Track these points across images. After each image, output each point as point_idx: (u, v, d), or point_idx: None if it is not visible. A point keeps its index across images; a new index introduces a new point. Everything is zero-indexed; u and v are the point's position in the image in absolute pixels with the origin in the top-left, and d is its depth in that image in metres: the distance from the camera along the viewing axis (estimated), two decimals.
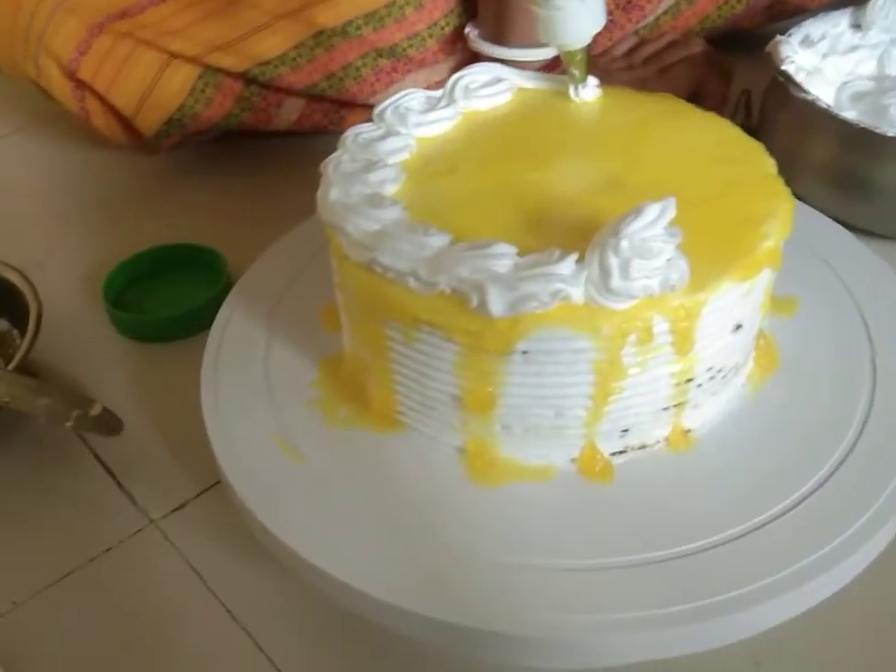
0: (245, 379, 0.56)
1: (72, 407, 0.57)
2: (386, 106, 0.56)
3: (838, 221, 0.65)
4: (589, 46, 0.58)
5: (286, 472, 0.51)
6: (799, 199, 0.52)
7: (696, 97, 0.62)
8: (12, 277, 0.66)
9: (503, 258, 0.45)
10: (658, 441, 0.51)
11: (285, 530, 0.48)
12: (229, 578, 0.54)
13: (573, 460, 0.50)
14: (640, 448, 0.51)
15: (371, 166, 0.52)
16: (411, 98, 0.57)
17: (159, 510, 0.57)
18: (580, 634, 0.44)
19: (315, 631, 0.51)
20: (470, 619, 0.44)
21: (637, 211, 0.44)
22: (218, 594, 0.53)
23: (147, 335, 0.69)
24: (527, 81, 0.60)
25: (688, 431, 0.51)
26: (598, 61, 0.86)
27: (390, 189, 0.51)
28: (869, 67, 0.78)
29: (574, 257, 0.44)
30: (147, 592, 0.54)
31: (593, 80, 0.59)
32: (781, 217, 0.49)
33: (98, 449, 0.61)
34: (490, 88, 0.58)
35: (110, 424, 0.58)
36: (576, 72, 0.58)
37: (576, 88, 0.58)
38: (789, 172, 0.53)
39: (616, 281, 0.44)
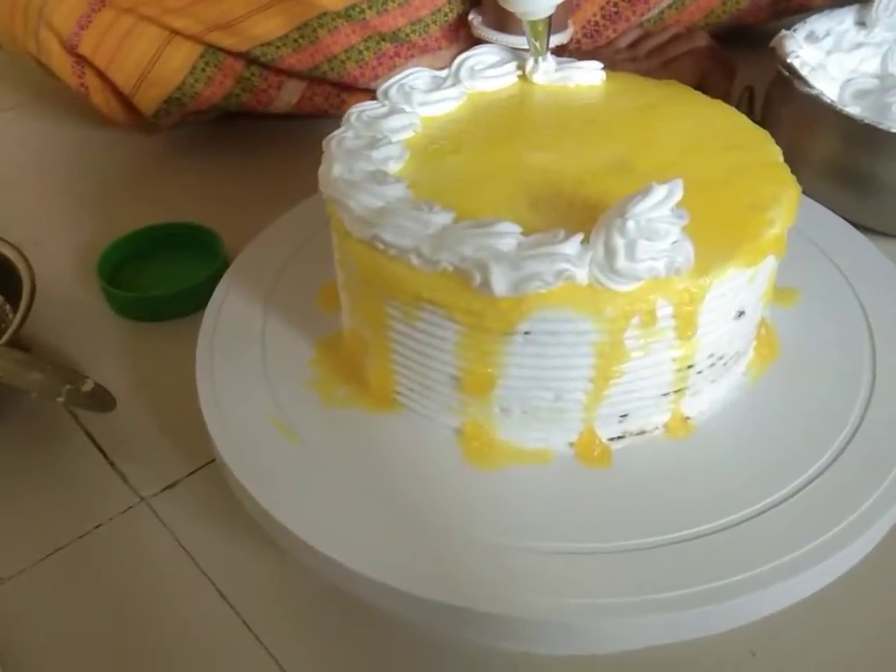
0: (241, 358, 0.56)
1: (64, 382, 0.56)
2: (391, 84, 0.56)
3: (840, 216, 0.65)
4: (551, 18, 0.57)
5: (281, 452, 0.50)
6: (802, 193, 0.52)
7: (699, 90, 0.62)
8: (8, 253, 0.65)
9: (507, 236, 0.45)
10: (657, 428, 0.51)
11: (279, 509, 0.47)
12: (219, 557, 0.53)
13: (571, 444, 0.50)
14: (639, 434, 0.50)
15: (374, 143, 0.51)
16: (416, 77, 0.56)
17: (150, 488, 0.57)
18: (574, 617, 0.43)
19: (306, 612, 0.51)
20: (465, 600, 0.44)
21: (644, 192, 0.43)
22: (209, 573, 0.52)
23: (142, 313, 0.68)
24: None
25: (687, 418, 0.51)
26: (603, 52, 0.86)
27: (394, 167, 0.51)
28: (873, 65, 0.78)
29: (579, 237, 0.44)
30: (137, 570, 0.53)
31: (552, 63, 0.58)
32: (787, 203, 0.49)
33: (89, 426, 0.61)
34: (495, 69, 0.58)
35: (102, 400, 0.57)
36: (537, 44, 0.57)
37: (535, 61, 0.58)
38: (792, 166, 0.52)
39: (621, 262, 0.43)
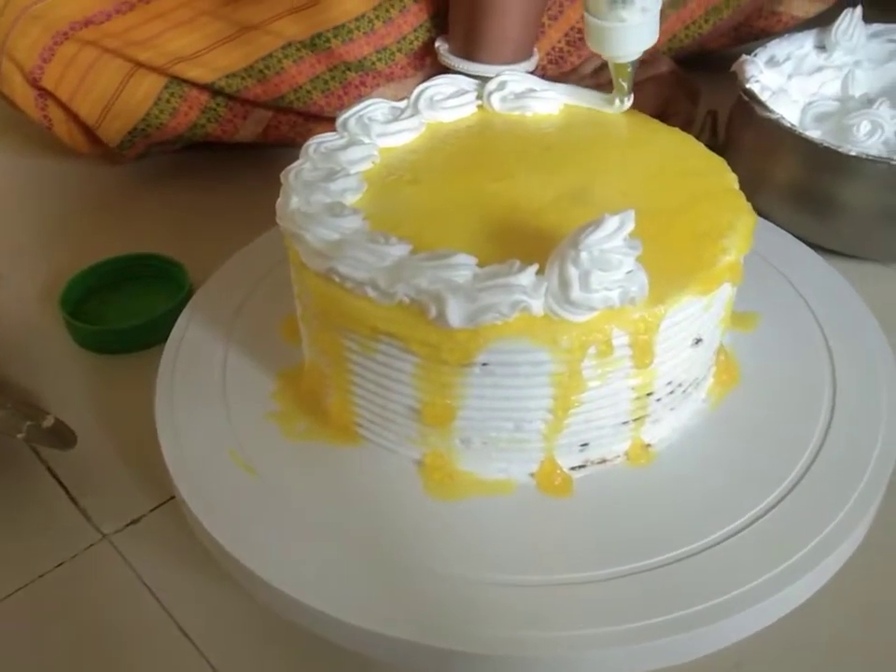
0: (202, 391, 0.55)
1: (24, 419, 0.55)
2: (350, 116, 0.56)
3: (802, 239, 0.66)
4: (636, 61, 0.58)
5: (241, 487, 0.50)
6: (763, 216, 0.52)
7: (663, 116, 0.63)
8: None
9: (463, 268, 0.45)
10: (618, 456, 0.50)
11: (239, 547, 0.47)
12: (182, 595, 0.52)
13: (532, 474, 0.50)
14: (600, 462, 0.50)
15: (332, 175, 0.51)
16: (374, 108, 0.56)
17: (112, 524, 0.56)
18: (538, 651, 0.43)
19: (267, 648, 0.50)
20: (427, 636, 0.43)
21: (596, 223, 0.43)
22: (172, 611, 0.52)
23: (105, 346, 0.68)
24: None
25: (648, 446, 0.51)
26: (568, 78, 0.86)
27: (351, 199, 0.51)
28: (833, 88, 0.79)
29: (534, 268, 0.44)
30: (99, 608, 0.52)
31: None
32: (742, 231, 0.49)
33: (51, 462, 0.60)
34: (454, 99, 0.58)
35: (63, 436, 0.57)
36: (624, 84, 0.58)
37: (621, 100, 0.59)
38: (753, 190, 0.53)
39: (576, 293, 0.43)
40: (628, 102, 0.59)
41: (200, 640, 0.50)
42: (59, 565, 0.54)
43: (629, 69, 0.57)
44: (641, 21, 0.55)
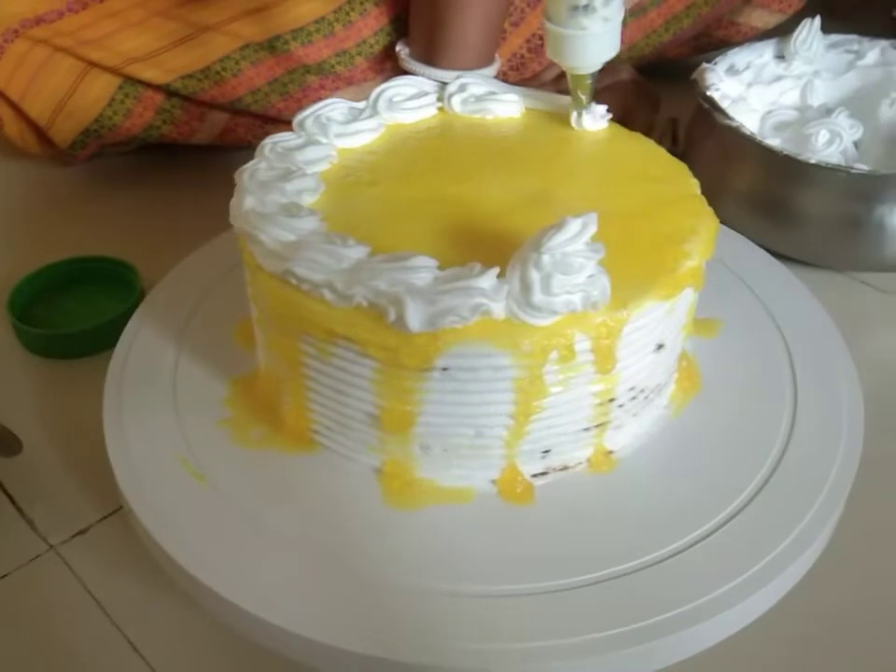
0: (151, 397, 0.54)
1: None
2: (307, 115, 0.55)
3: (760, 246, 0.66)
4: (596, 72, 0.56)
5: (191, 496, 0.49)
6: (723, 223, 0.52)
7: (623, 124, 0.62)
8: None
9: (422, 271, 0.44)
10: (580, 463, 0.50)
11: (188, 558, 0.46)
12: (131, 607, 0.51)
13: (494, 482, 0.49)
14: (562, 469, 0.50)
15: (288, 175, 0.50)
16: (332, 108, 0.55)
17: (59, 535, 0.55)
18: (498, 664, 0.42)
19: (217, 662, 0.49)
20: (386, 650, 0.42)
21: (558, 225, 0.43)
22: (120, 624, 0.50)
23: (54, 351, 0.66)
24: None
25: (610, 452, 0.50)
26: (529, 85, 0.86)
27: (308, 200, 0.50)
28: (792, 97, 0.79)
29: (495, 271, 0.43)
30: (45, 621, 0.51)
31: (601, 109, 0.57)
32: (704, 236, 0.49)
33: None
34: (414, 101, 0.57)
35: (8, 443, 0.55)
36: (583, 97, 0.56)
37: (579, 114, 0.56)
38: (713, 198, 0.53)
39: (537, 296, 0.43)
40: (587, 115, 0.57)
41: (149, 653, 0.49)
42: (3, 576, 0.53)
43: (588, 80, 0.55)
44: (603, 30, 0.53)
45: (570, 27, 0.53)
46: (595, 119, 0.57)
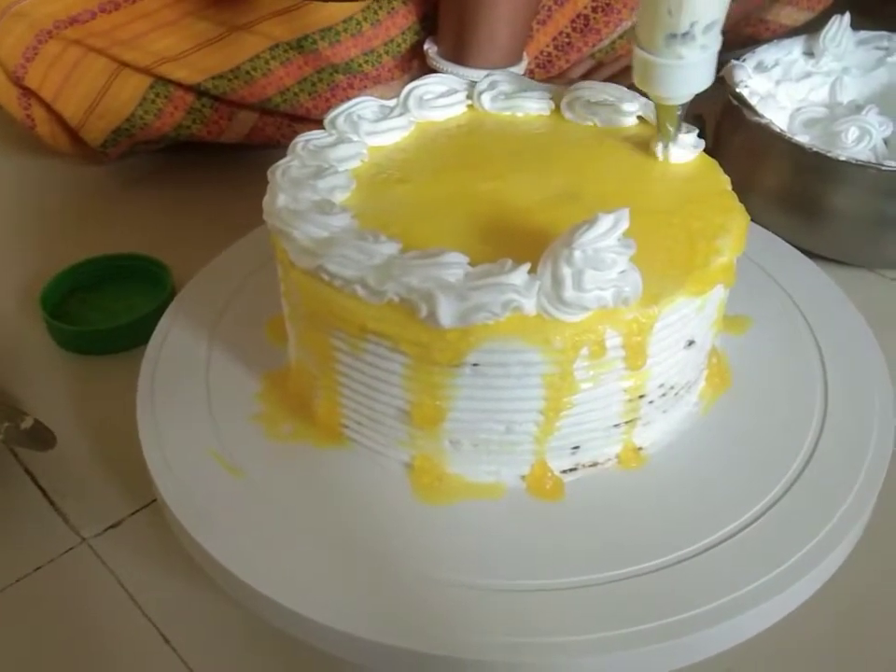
0: (184, 392, 0.54)
1: (2, 420, 0.54)
2: (338, 113, 0.55)
3: (791, 244, 0.65)
4: (686, 104, 0.52)
5: (224, 490, 0.49)
6: (752, 221, 0.52)
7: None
8: None
9: (454, 267, 0.44)
10: (609, 459, 0.50)
11: (221, 550, 0.46)
12: (163, 599, 0.51)
13: (523, 477, 0.49)
14: (591, 465, 0.50)
15: (320, 172, 0.50)
16: (363, 106, 0.56)
17: (92, 528, 0.55)
18: (529, 657, 0.42)
19: (250, 655, 0.49)
20: (417, 642, 0.43)
21: (590, 221, 0.43)
22: (152, 615, 0.51)
23: (86, 347, 0.67)
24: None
25: (639, 449, 0.50)
26: (555, 83, 0.86)
27: (340, 197, 0.50)
28: (821, 94, 0.79)
29: (526, 267, 0.44)
30: (78, 613, 0.51)
31: (690, 139, 0.53)
32: (735, 232, 0.49)
33: (30, 464, 0.59)
34: (444, 99, 0.57)
35: (42, 438, 0.56)
36: (671, 129, 0.52)
37: (665, 146, 0.53)
38: (742, 195, 0.52)
39: (569, 292, 0.43)
40: (674, 147, 0.53)
41: (180, 645, 0.49)
42: (37, 569, 0.53)
43: (678, 112, 0.52)
44: (700, 59, 0.49)
45: (665, 56, 0.49)
46: (685, 151, 0.54)
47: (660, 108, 0.52)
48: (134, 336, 0.64)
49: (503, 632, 0.43)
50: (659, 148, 0.53)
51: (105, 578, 0.53)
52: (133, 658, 0.49)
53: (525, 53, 0.80)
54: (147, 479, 0.51)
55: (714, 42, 0.49)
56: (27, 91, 0.78)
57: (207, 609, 0.50)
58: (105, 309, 0.70)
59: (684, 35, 0.48)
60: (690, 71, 0.50)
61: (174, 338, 0.58)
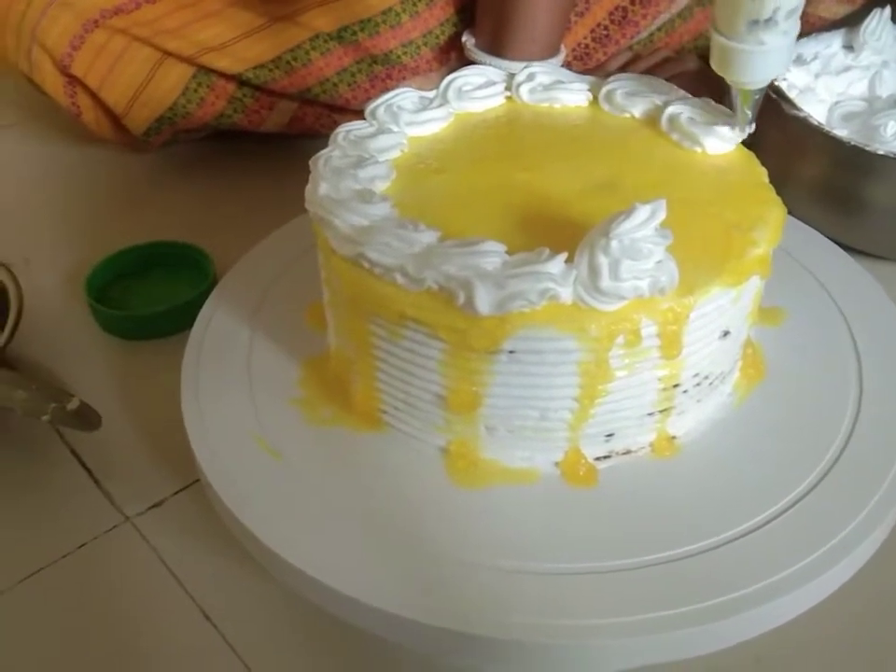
0: (227, 377, 0.55)
1: (49, 401, 0.56)
2: (379, 104, 0.56)
3: (828, 237, 0.65)
4: (763, 89, 0.53)
5: (265, 472, 0.50)
6: (789, 214, 0.52)
7: None
8: None
9: (492, 255, 0.45)
10: (643, 447, 0.50)
11: (263, 530, 0.47)
12: (204, 577, 0.53)
13: (557, 464, 0.50)
14: (625, 453, 0.50)
15: (361, 162, 0.51)
16: (403, 97, 0.56)
17: (135, 507, 0.57)
18: (560, 639, 0.43)
19: (289, 632, 0.50)
20: (449, 621, 0.43)
21: (627, 212, 0.43)
22: (193, 593, 0.52)
23: (130, 332, 0.68)
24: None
25: (673, 438, 0.51)
26: (594, 75, 0.86)
27: (380, 186, 0.51)
28: (860, 88, 0.78)
29: (563, 256, 0.44)
30: (121, 590, 0.53)
31: (726, 130, 0.55)
32: (772, 224, 0.49)
33: (75, 444, 0.60)
34: (483, 90, 0.58)
35: (88, 419, 0.57)
36: (748, 112, 0.53)
37: (742, 128, 0.54)
38: (779, 187, 0.53)
39: (605, 281, 0.43)
40: (749, 129, 0.54)
41: (221, 622, 0.51)
42: (81, 546, 0.55)
43: (756, 97, 0.53)
44: (781, 44, 0.49)
45: (747, 42, 0.49)
46: (723, 142, 0.55)
47: (740, 93, 0.53)
48: (176, 322, 0.66)
49: (535, 613, 0.44)
50: (735, 131, 0.54)
51: (148, 555, 0.54)
52: (173, 633, 0.50)
53: (562, 45, 0.80)
54: (190, 460, 0.52)
55: (794, 27, 0.49)
56: (73, 80, 0.80)
57: (246, 586, 0.52)
58: (148, 295, 0.71)
59: (767, 21, 0.48)
60: (771, 56, 0.50)
61: (216, 323, 0.59)
